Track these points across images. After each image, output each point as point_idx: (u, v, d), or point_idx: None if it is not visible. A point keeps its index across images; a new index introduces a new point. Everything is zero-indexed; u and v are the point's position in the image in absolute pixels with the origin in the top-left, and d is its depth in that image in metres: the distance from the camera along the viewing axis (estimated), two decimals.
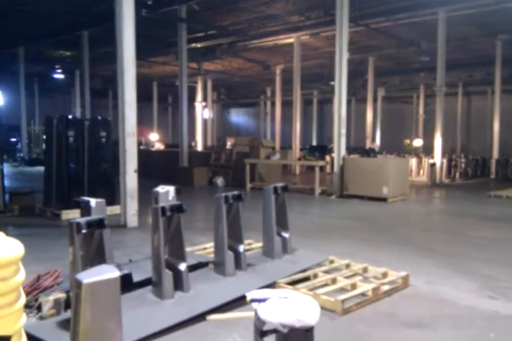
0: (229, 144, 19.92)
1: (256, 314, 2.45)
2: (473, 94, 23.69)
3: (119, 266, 3.55)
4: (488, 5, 12.25)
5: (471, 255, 5.44)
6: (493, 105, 17.47)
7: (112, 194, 7.89)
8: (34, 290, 3.53)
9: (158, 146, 21.90)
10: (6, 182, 8.90)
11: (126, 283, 3.54)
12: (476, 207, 9.78)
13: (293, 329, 2.37)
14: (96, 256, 3.51)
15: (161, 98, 28.47)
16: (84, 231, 3.29)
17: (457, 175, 15.53)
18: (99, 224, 3.42)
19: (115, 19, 7.15)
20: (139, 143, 17.62)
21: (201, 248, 5.17)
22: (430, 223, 8.04)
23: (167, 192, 3.89)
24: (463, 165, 15.93)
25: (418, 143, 19.32)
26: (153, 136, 24.80)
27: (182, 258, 3.76)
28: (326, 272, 4.32)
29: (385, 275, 4.26)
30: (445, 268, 4.84)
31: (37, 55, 19.38)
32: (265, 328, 2.43)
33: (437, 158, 14.26)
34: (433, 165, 14.20)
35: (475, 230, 7.04)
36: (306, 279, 4.13)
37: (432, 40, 14.23)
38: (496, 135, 17.32)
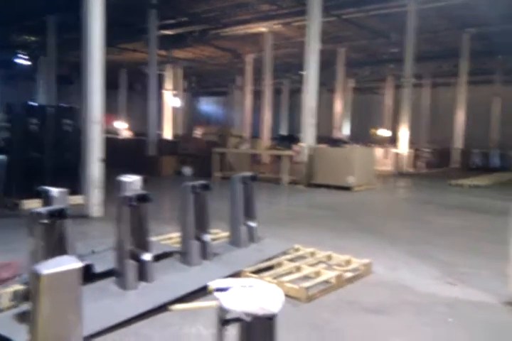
0: (198, 133, 19.76)
1: (219, 303, 2.45)
2: (440, 86, 24.20)
3: (80, 257, 3.49)
4: None
5: (433, 242, 5.60)
6: (458, 96, 17.90)
7: (76, 183, 7.71)
8: None
9: (125, 134, 21.52)
10: None
11: (88, 274, 3.49)
12: (439, 195, 10.07)
13: (256, 318, 2.39)
14: (57, 247, 3.43)
15: (130, 85, 27.91)
16: (44, 221, 3.21)
17: (422, 164, 15.91)
18: (61, 214, 3.34)
19: (82, 4, 6.92)
20: (106, 132, 17.24)
21: (167, 237, 5.13)
22: (394, 211, 8.23)
23: (133, 181, 3.83)
24: (428, 155, 16.33)
25: (383, 133, 19.67)
26: (119, 124, 24.32)
27: (147, 248, 3.72)
28: (291, 260, 4.36)
29: (348, 262, 4.34)
30: (407, 254, 4.97)
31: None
32: (228, 317, 2.44)
33: (403, 147, 14.56)
34: (399, 154, 14.50)
35: (437, 217, 7.25)
36: (271, 267, 4.16)
37: (402, 32, 14.41)
38: (460, 126, 17.77)
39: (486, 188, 11.15)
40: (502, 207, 6.15)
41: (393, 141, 17.02)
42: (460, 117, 17.74)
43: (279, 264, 4.24)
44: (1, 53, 20.58)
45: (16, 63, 22.37)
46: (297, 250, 4.69)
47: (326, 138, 15.37)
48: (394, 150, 14.80)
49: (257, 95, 19.37)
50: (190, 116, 31.68)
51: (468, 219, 7.21)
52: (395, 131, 17.52)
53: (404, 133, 14.67)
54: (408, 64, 14.19)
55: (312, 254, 4.57)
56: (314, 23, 10.75)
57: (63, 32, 16.01)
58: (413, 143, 15.86)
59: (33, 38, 18.96)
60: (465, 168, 16.50)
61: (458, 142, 17.56)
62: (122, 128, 23.75)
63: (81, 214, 6.68)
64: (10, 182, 7.84)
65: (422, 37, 14.57)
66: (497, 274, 4.14)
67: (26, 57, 21.46)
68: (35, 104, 10.63)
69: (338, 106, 20.53)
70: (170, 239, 5.07)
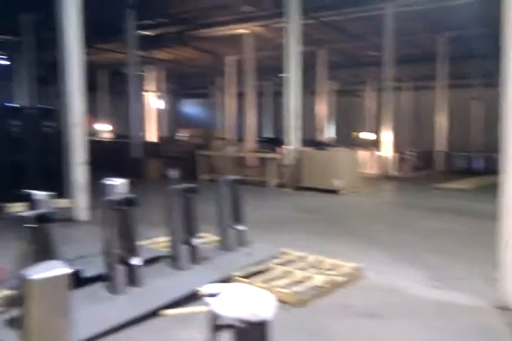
0: (181, 135, 19.62)
1: (210, 308, 2.41)
2: (421, 89, 24.50)
3: (69, 262, 3.41)
4: (433, 2, 12.62)
5: (420, 245, 5.64)
6: (439, 100, 18.14)
7: (61, 187, 7.56)
8: None
9: (106, 137, 21.22)
10: None
11: (77, 279, 3.41)
12: (424, 198, 10.17)
13: (249, 323, 2.36)
14: (44, 251, 3.35)
15: (110, 87, 27.58)
16: (30, 225, 3.14)
17: (406, 167, 16.06)
18: (47, 218, 3.27)
19: (58, 2, 6.80)
20: (89, 134, 17.00)
21: (155, 241, 5.07)
22: (379, 214, 8.28)
23: (119, 184, 3.76)
24: (412, 158, 16.49)
25: (366, 136, 19.80)
26: (100, 126, 24.00)
27: (135, 252, 3.66)
28: (281, 264, 4.34)
29: (338, 266, 4.34)
30: (394, 258, 4.99)
31: None
32: (220, 323, 2.41)
33: (387, 151, 14.69)
34: (383, 157, 14.62)
35: (421, 221, 7.31)
36: (262, 272, 4.14)
37: (380, 35, 14.55)
38: (443, 129, 17.98)
39: (470, 191, 11.31)
40: (486, 210, 6.24)
41: (377, 143, 17.16)
42: (442, 120, 17.95)
43: (270, 269, 4.22)
44: None
45: None
46: (287, 254, 4.67)
47: (310, 140, 15.42)
48: (378, 153, 14.91)
49: (241, 97, 19.32)
50: (173, 118, 31.47)
51: (453, 222, 7.28)
52: (378, 134, 17.69)
53: (387, 136, 14.79)
54: (388, 67, 14.34)
55: (302, 258, 4.56)
56: (293, 25, 10.76)
57: (42, 31, 15.71)
58: (397, 146, 16.01)
59: (9, 38, 18.56)
60: (449, 171, 16.71)
61: (441, 145, 17.75)
62: (104, 130, 23.43)
63: (68, 218, 6.56)
64: None
65: (401, 40, 14.72)
66: (486, 278, 4.18)
67: (4, 57, 21.02)
68: (16, 105, 10.42)
69: (321, 108, 20.63)
70: (158, 243, 5.01)
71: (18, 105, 11.56)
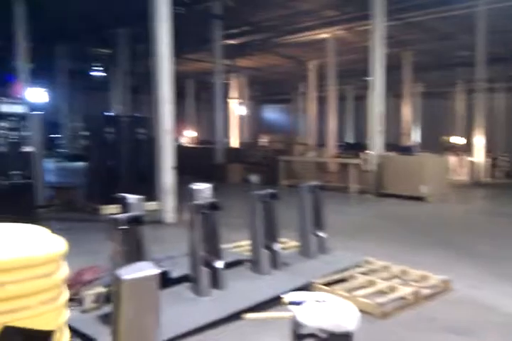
0: (262, 141, 19.87)
1: (294, 317, 2.42)
2: None
3: (157, 262, 3.59)
4: None
5: None
6: None
7: (150, 190, 8.00)
8: (76, 284, 3.61)
9: (189, 142, 22.07)
10: (51, 177, 9.17)
11: (164, 280, 3.58)
12: None
13: (332, 334, 2.33)
14: (134, 251, 3.55)
15: (197, 95, 28.69)
16: (123, 227, 3.34)
17: (499, 173, 14.98)
18: (137, 220, 3.46)
19: (151, 17, 7.21)
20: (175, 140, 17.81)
21: (236, 245, 5.17)
22: (470, 224, 7.77)
23: (203, 189, 3.90)
24: (506, 164, 15.35)
25: (456, 140, 18.74)
26: (189, 133, 25.00)
27: (218, 255, 3.77)
28: (364, 274, 4.23)
29: (424, 278, 4.14)
30: (487, 272, 4.66)
31: (77, 53, 19.86)
32: (303, 332, 2.40)
33: (478, 156, 13.80)
34: (474, 163, 13.75)
35: None
36: (343, 280, 4.06)
37: (471, 34, 13.75)
38: None
39: None
40: None
41: (467, 148, 16.17)
42: None
43: (352, 277, 4.13)
44: (79, 65, 21.92)
45: (93, 74, 23.74)
46: (370, 263, 4.55)
47: (394, 145, 14.91)
48: (469, 158, 14.05)
49: (321, 102, 19.18)
50: (255, 124, 32.01)
51: None
52: (468, 138, 16.68)
53: (479, 140, 13.90)
54: (480, 67, 13.48)
55: (386, 268, 4.41)
56: (378, 27, 10.54)
57: (134, 43, 16.79)
58: (489, 150, 14.98)
59: (105, 50, 20.02)
60: None
61: None
62: (190, 136, 24.41)
63: (155, 220, 6.91)
64: (90, 188, 8.30)
65: (493, 38, 13.78)
66: None
67: (101, 68, 22.69)
68: (111, 113, 11.19)
69: (406, 112, 19.88)
70: (239, 246, 5.10)
71: (113, 114, 12.42)
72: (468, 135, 17.26)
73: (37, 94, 20.00)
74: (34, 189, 6.52)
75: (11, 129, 5.75)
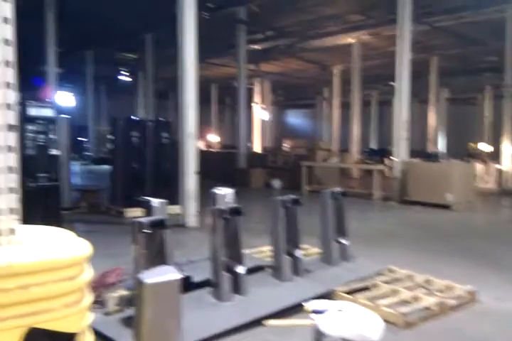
0: (285, 146, 19.85)
1: (316, 325, 2.39)
2: None
3: (178, 266, 3.61)
4: None
5: None
6: None
7: (173, 194, 8.07)
8: (99, 287, 3.65)
9: (213, 147, 22.21)
10: (77, 180, 9.33)
11: (186, 284, 3.59)
12: None
13: None
14: (157, 255, 3.57)
15: (220, 100, 28.88)
16: (146, 230, 3.36)
17: None
18: (161, 224, 3.48)
19: (177, 23, 7.29)
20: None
21: (258, 251, 5.16)
22: (497, 233, 7.57)
23: (226, 194, 3.90)
24: None
25: (483, 147, 18.36)
26: (212, 138, 25.16)
27: (240, 260, 3.76)
28: (387, 282, 4.16)
29: (449, 288, 4.04)
30: None
31: (104, 58, 20.25)
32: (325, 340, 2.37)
33: (506, 163, 13.48)
34: (502, 171, 13.43)
35: None
36: (366, 289, 4.00)
37: (500, 39, 13.47)
38: None
39: None
40: None
41: (495, 156, 15.80)
42: None
43: (374, 286, 4.06)
44: (105, 70, 22.35)
45: (119, 79, 24.17)
46: (393, 272, 4.47)
47: (419, 152, 14.69)
48: (496, 166, 13.72)
49: (345, 107, 19.07)
50: (277, 129, 32.02)
51: None
52: (495, 145, 16.30)
53: (507, 147, 13.58)
54: (508, 72, 13.19)
55: (409, 277, 4.32)
56: (405, 32, 10.42)
57: (159, 49, 17.02)
58: None
59: (132, 56, 20.36)
60: None
61: None
62: (213, 141, 24.58)
63: (178, 224, 6.95)
64: (114, 191, 8.42)
65: None
66: None
67: (127, 73, 23.08)
68: (137, 118, 11.35)
69: (432, 118, 19.59)
70: (261, 252, 5.09)
71: (138, 118, 12.59)
72: (495, 142, 16.89)
73: (65, 98, 20.42)
74: (60, 191, 6.64)
75: (39, 132, 5.86)
